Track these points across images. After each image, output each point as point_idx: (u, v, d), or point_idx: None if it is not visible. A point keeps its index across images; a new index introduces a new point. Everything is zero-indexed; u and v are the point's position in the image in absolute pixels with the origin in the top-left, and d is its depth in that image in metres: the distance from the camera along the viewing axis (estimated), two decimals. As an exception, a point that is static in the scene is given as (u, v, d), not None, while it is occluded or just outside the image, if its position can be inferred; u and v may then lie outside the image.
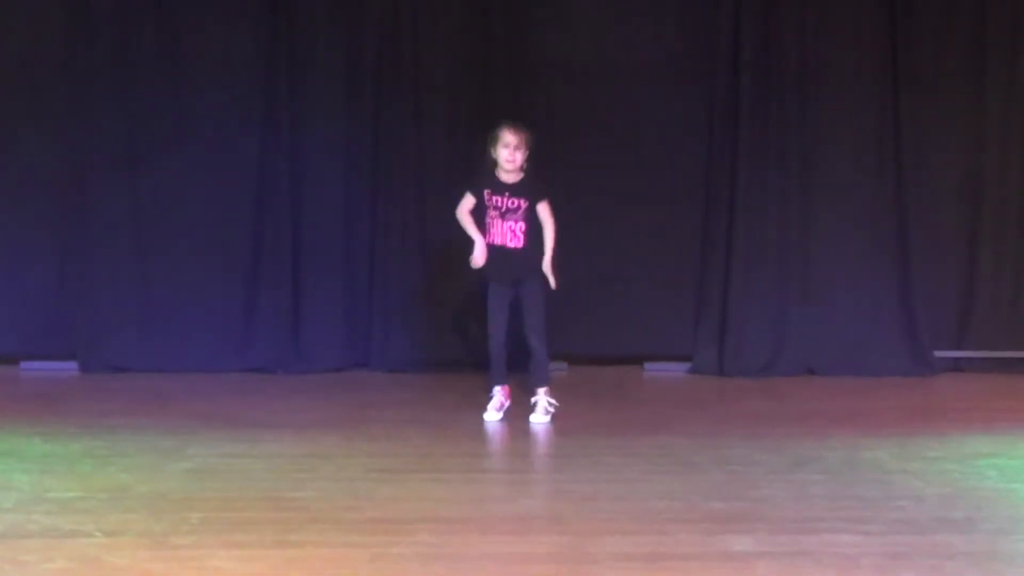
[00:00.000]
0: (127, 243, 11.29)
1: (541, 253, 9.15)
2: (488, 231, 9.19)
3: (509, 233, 9.14)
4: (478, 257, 9.17)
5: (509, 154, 9.10)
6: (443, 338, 11.28)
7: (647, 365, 11.48)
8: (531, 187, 9.18)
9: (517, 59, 11.36)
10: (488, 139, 9.21)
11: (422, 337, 11.30)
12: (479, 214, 9.25)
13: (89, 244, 11.27)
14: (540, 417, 9.24)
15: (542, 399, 9.31)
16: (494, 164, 9.19)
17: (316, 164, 11.33)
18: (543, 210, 9.17)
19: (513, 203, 9.14)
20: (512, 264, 9.18)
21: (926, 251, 11.42)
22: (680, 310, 11.46)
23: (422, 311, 11.33)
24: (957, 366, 11.49)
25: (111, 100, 11.23)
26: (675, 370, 11.39)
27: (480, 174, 9.27)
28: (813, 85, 11.36)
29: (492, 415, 9.29)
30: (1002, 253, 11.47)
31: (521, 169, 9.16)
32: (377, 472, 7.69)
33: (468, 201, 9.24)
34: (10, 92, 11.28)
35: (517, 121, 9.28)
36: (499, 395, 9.38)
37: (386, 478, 7.55)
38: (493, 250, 9.18)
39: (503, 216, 9.14)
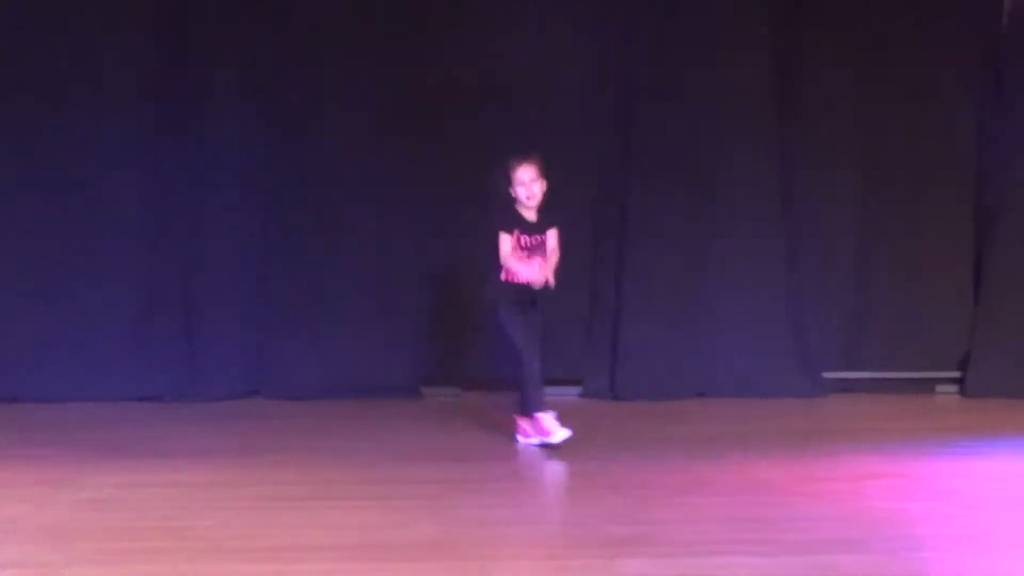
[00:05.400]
0: (19, 272, 11.17)
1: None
2: (510, 271, 9.12)
3: (536, 268, 9.06)
4: (534, 275, 9.02)
5: (527, 191, 9.04)
6: (341, 364, 11.26)
7: None
8: (548, 218, 9.17)
9: (440, 74, 11.43)
10: (500, 179, 9.15)
11: (319, 363, 11.26)
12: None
13: (-20, 274, 11.15)
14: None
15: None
16: (512, 202, 9.14)
17: (211, 183, 11.27)
18: (553, 237, 9.16)
19: (537, 240, 9.15)
20: (531, 298, 9.18)
21: (815, 274, 11.56)
22: (571, 334, 11.49)
23: (320, 337, 11.30)
24: (846, 387, 11.62)
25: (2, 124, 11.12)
26: (566, 394, 11.42)
27: (506, 213, 9.15)
28: (704, 107, 11.44)
29: (561, 432, 9.06)
30: (890, 273, 11.61)
31: (543, 211, 9.18)
32: (275, 500, 7.68)
33: (507, 241, 9.09)
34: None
35: (529, 155, 9.11)
36: (550, 417, 9.11)
37: (284, 505, 7.54)
38: (515, 289, 9.12)
39: (531, 254, 9.11)
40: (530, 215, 9.11)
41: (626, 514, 7.36)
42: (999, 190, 11.60)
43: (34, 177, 11.17)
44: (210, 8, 11.28)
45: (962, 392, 11.63)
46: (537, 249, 9.09)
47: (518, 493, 7.94)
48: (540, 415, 9.01)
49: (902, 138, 11.65)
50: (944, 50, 11.61)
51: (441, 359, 11.50)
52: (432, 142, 11.35)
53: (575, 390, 11.48)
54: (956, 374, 11.71)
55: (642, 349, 11.41)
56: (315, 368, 11.27)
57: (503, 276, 9.09)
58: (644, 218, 11.42)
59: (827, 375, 11.62)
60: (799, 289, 11.55)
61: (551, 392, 11.17)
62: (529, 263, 9.03)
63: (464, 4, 11.49)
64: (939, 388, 11.74)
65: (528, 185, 9.00)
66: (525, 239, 9.07)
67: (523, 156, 9.04)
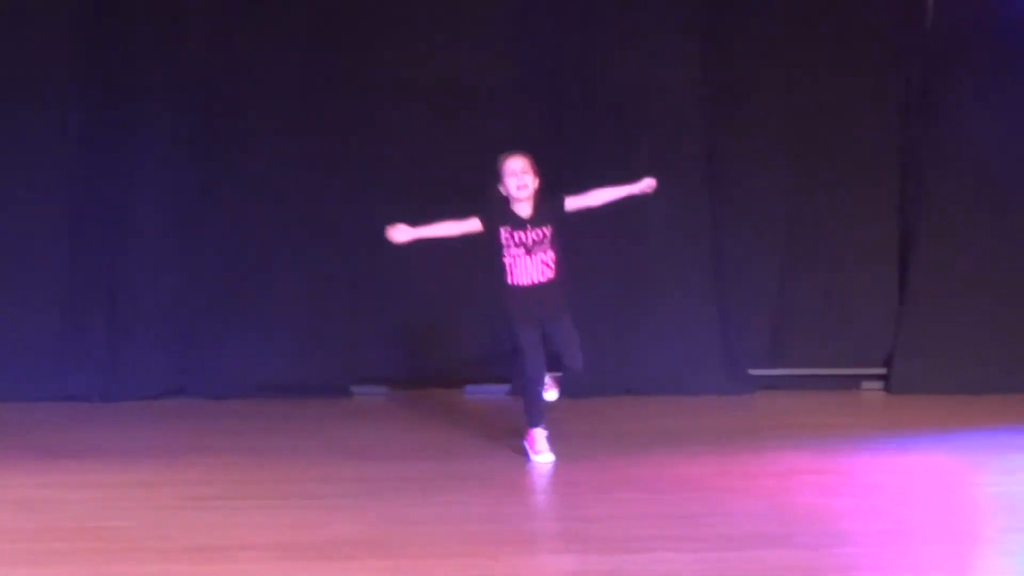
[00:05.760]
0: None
1: (567, 284, 8.69)
2: (511, 273, 8.52)
3: (541, 267, 8.50)
4: (399, 234, 8.56)
5: (518, 180, 8.44)
6: (268, 362, 11.19)
7: (467, 388, 11.50)
8: (548, 207, 8.56)
9: (366, 77, 11.38)
10: (494, 177, 8.54)
11: (246, 362, 11.18)
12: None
13: None
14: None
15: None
16: (504, 200, 8.55)
17: (136, 182, 11.16)
18: (573, 201, 8.62)
19: (539, 234, 8.49)
20: (544, 301, 8.52)
21: (741, 272, 11.58)
22: (499, 332, 11.43)
23: (247, 335, 11.22)
24: (772, 384, 11.64)
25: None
26: (495, 392, 11.39)
27: (494, 208, 8.58)
28: (633, 109, 11.43)
29: (547, 456, 8.65)
30: (816, 272, 11.64)
31: (533, 195, 8.52)
32: (196, 500, 7.63)
33: (470, 224, 8.58)
34: None
35: (517, 149, 8.61)
36: (542, 435, 8.70)
37: (205, 505, 7.50)
38: (522, 291, 8.51)
39: (530, 251, 8.47)
40: (524, 210, 8.52)
41: (555, 511, 7.37)
42: (922, 190, 11.64)
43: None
44: (139, 8, 11.18)
45: (887, 389, 11.66)
46: (538, 246, 8.49)
47: (445, 491, 7.90)
48: (534, 430, 8.68)
49: (828, 138, 11.65)
50: (869, 51, 11.64)
51: (370, 358, 11.43)
52: (358, 143, 11.30)
53: (504, 388, 11.42)
54: (882, 371, 11.75)
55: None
56: (242, 367, 11.17)
57: (507, 279, 8.54)
58: (571, 216, 11.37)
59: (754, 372, 11.63)
60: (725, 287, 11.55)
61: (483, 390, 11.28)
62: (531, 261, 8.49)
63: (387, 7, 11.43)
64: (865, 385, 11.77)
65: (519, 175, 8.43)
66: (520, 235, 8.48)
67: (512, 150, 8.57)
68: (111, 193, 11.13)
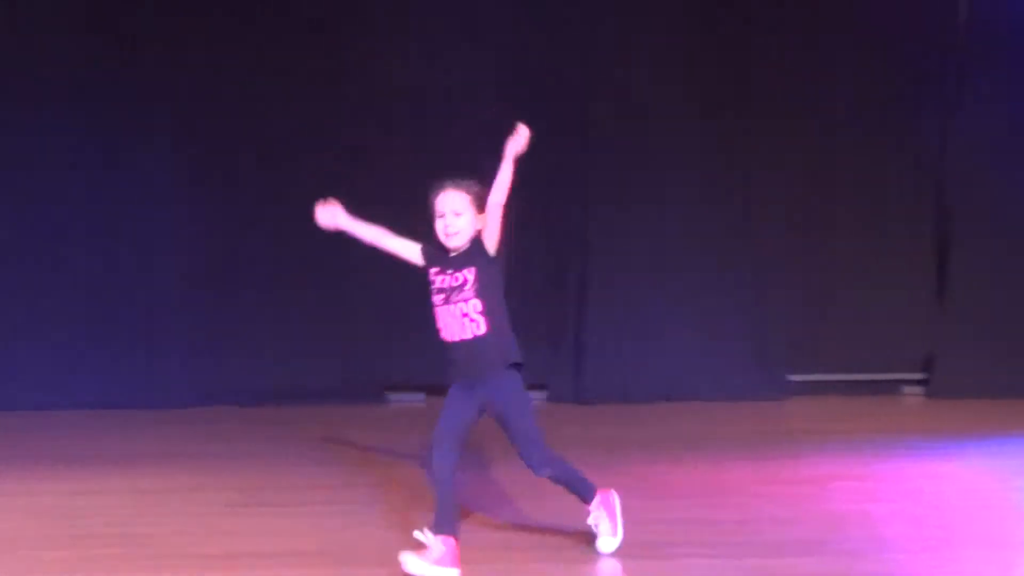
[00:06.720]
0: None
1: (509, 343, 6.57)
2: (438, 326, 6.54)
3: (462, 320, 6.45)
4: (327, 214, 6.79)
5: (446, 225, 6.47)
6: (301, 370, 11.12)
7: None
8: (477, 247, 6.52)
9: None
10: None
11: (279, 369, 11.14)
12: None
13: None
14: (608, 542, 6.72)
15: (601, 517, 6.76)
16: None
17: (161, 199, 11.15)
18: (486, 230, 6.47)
19: (457, 279, 6.47)
20: (474, 360, 6.49)
21: (779, 276, 11.50)
22: (535, 337, 11.36)
23: (280, 342, 11.18)
24: (811, 389, 11.56)
25: None
26: (535, 398, 11.25)
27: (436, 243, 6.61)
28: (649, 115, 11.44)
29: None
30: (855, 275, 11.56)
31: (473, 238, 6.53)
32: (232, 507, 7.66)
33: (409, 249, 6.64)
34: None
35: (454, 180, 6.52)
36: (438, 545, 6.35)
37: (241, 512, 7.53)
38: (450, 349, 6.52)
39: (448, 299, 6.47)
40: (450, 246, 6.57)
41: (577, 517, 7.32)
42: (960, 190, 11.57)
43: None
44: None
45: (927, 393, 11.59)
46: (457, 293, 6.45)
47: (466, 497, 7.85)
48: (442, 537, 6.36)
49: (862, 138, 11.60)
50: (905, 50, 11.59)
51: (407, 364, 11.31)
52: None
53: (541, 394, 11.35)
54: (921, 376, 11.68)
55: (607, 353, 11.33)
56: (278, 373, 11.12)
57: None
58: (608, 221, 11.35)
59: (792, 377, 11.57)
60: (762, 292, 11.48)
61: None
62: (449, 312, 6.49)
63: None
64: (905, 390, 11.71)
65: (448, 217, 6.48)
66: (442, 277, 6.53)
67: (451, 181, 6.56)
68: (139, 205, 11.14)
